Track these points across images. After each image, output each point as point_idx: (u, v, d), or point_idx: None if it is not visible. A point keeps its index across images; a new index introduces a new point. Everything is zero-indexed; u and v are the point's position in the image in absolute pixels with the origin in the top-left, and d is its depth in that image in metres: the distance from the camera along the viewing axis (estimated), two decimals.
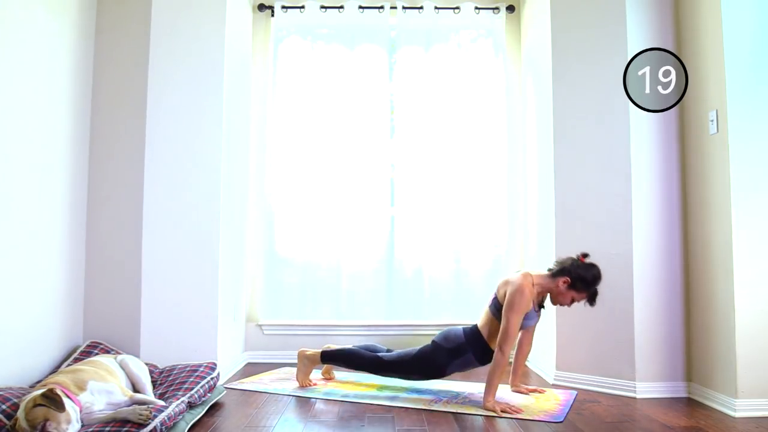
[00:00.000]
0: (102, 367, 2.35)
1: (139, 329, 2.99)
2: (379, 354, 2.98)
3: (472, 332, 2.83)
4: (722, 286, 2.67)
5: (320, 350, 3.11)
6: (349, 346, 3.17)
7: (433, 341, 2.90)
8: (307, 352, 3.11)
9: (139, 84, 3.09)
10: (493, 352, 2.77)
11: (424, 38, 4.04)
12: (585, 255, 2.74)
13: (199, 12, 3.17)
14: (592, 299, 2.70)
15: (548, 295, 2.81)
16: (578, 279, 2.67)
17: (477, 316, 3.68)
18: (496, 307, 2.76)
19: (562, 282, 2.70)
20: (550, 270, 2.77)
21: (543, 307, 2.87)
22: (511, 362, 3.03)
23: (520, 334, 2.88)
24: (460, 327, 2.89)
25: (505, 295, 2.70)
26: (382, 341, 3.83)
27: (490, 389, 2.63)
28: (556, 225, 3.24)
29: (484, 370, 2.83)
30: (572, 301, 2.73)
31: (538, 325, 3.03)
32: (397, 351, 3.00)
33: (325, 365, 3.22)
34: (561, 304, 2.77)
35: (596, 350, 3.06)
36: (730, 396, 2.58)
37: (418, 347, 2.93)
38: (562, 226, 3.22)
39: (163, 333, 3.01)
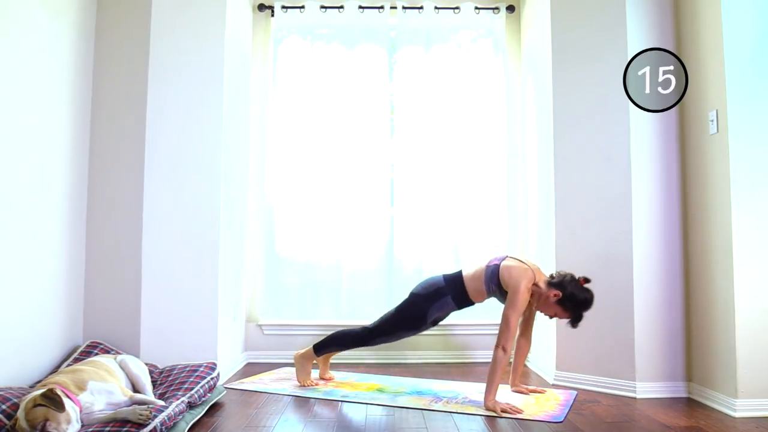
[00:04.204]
0: (102, 367, 2.35)
1: (139, 329, 2.99)
2: (365, 326, 3.06)
3: (453, 277, 2.91)
4: (722, 286, 2.67)
5: (311, 346, 3.13)
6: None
7: (411, 293, 2.99)
8: (301, 352, 3.14)
9: (139, 84, 3.09)
10: (471, 301, 2.89)
11: (424, 38, 4.04)
12: (587, 280, 2.73)
13: (199, 12, 3.17)
14: (575, 321, 2.72)
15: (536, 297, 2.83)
16: (569, 297, 2.68)
17: (477, 316, 3.69)
18: (493, 282, 2.79)
19: (553, 294, 2.70)
20: (551, 277, 2.78)
21: None
22: (510, 362, 3.03)
23: (518, 333, 2.89)
24: (440, 274, 2.99)
25: (506, 284, 2.75)
26: None
27: (490, 389, 2.63)
28: (556, 225, 3.24)
29: (484, 369, 2.83)
30: (554, 315, 2.76)
31: (538, 324, 3.03)
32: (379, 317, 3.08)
33: (322, 364, 3.22)
34: (543, 312, 2.82)
35: (596, 350, 3.06)
36: (730, 396, 2.58)
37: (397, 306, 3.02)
38: (562, 225, 3.22)
39: (163, 333, 3.01)
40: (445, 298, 2.88)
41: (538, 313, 2.94)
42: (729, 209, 2.62)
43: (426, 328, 3.01)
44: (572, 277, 2.73)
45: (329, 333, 3.18)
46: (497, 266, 2.81)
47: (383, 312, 3.08)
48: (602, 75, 3.11)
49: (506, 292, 2.74)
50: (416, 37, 4.04)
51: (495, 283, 2.80)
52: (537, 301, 2.78)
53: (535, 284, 2.74)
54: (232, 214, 3.42)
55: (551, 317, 2.79)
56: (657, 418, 2.53)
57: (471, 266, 2.93)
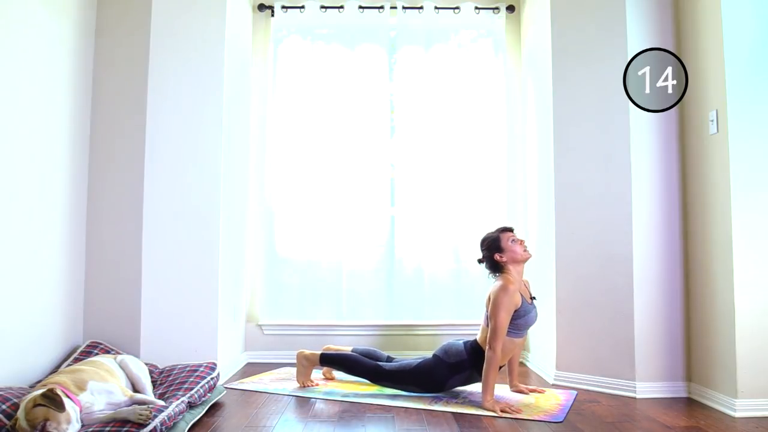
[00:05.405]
0: (102, 367, 2.35)
1: (139, 329, 2.99)
2: (380, 363, 2.97)
3: (473, 348, 2.83)
4: (722, 286, 2.67)
5: (319, 352, 3.11)
6: (348, 350, 3.16)
7: (434, 355, 2.90)
8: (306, 353, 3.11)
9: (139, 84, 3.09)
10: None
11: (424, 38, 4.04)
12: (480, 260, 2.96)
13: (199, 12, 3.17)
14: (506, 230, 2.94)
15: (525, 282, 2.91)
16: (492, 244, 2.89)
17: (477, 315, 3.70)
18: (486, 316, 2.80)
19: (499, 258, 2.85)
20: (493, 273, 2.89)
21: (534, 298, 2.91)
22: (503, 365, 3.03)
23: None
24: (461, 342, 2.90)
25: (489, 298, 2.77)
26: (383, 341, 3.83)
27: (487, 388, 2.64)
28: (556, 224, 3.24)
29: None
30: (522, 248, 2.87)
31: (539, 325, 3.03)
32: (398, 361, 3.01)
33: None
34: (523, 255, 2.87)
35: (596, 350, 3.06)
36: (730, 396, 2.58)
37: (418, 359, 2.93)
38: (562, 225, 3.22)
39: (163, 333, 3.01)
40: (468, 372, 2.83)
41: (538, 305, 2.96)
42: (729, 209, 2.62)
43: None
44: (481, 255, 2.95)
45: (340, 345, 3.13)
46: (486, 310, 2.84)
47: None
48: (602, 75, 3.11)
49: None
50: (416, 37, 4.04)
51: (486, 318, 2.80)
52: (517, 262, 2.86)
53: (509, 284, 2.76)
54: (232, 214, 3.42)
55: (522, 247, 2.87)
56: (657, 418, 2.53)
57: (479, 332, 2.90)
